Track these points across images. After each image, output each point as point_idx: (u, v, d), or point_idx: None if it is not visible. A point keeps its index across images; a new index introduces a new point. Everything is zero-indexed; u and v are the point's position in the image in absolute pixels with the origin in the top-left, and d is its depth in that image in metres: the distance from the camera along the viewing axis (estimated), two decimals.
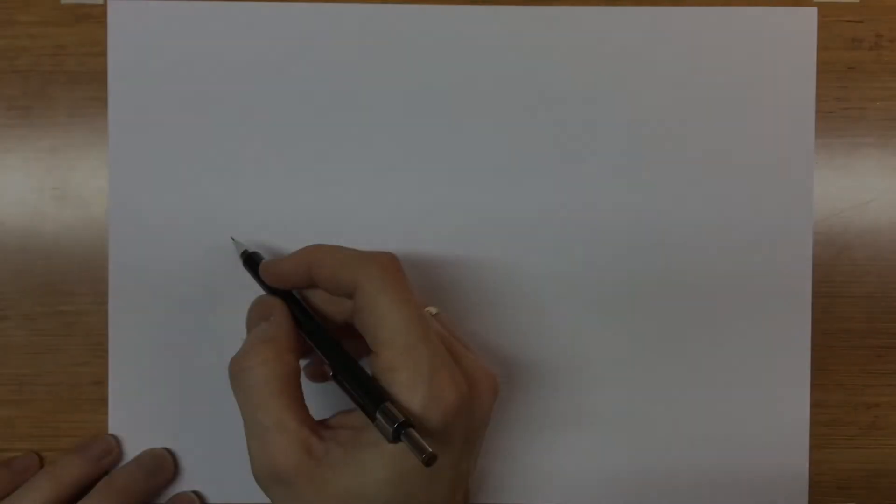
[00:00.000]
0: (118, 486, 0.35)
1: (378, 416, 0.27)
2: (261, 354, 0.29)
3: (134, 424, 0.36)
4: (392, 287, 0.28)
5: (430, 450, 0.25)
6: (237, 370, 0.29)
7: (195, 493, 0.36)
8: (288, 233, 0.36)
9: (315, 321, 0.31)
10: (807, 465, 0.37)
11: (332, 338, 0.31)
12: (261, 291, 0.33)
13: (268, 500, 0.30)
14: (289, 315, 0.31)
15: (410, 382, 0.27)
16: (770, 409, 0.37)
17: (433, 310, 0.33)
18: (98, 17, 0.36)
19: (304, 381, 0.33)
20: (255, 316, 0.32)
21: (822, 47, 0.37)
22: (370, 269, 0.29)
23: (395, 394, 0.28)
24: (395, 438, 0.26)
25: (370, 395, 0.28)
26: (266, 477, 0.29)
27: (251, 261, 0.34)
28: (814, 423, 0.37)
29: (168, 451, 0.36)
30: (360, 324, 0.29)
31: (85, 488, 0.34)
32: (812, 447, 0.37)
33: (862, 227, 0.37)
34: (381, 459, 0.28)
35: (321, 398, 0.34)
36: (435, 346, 0.28)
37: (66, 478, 0.34)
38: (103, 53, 0.36)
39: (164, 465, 0.36)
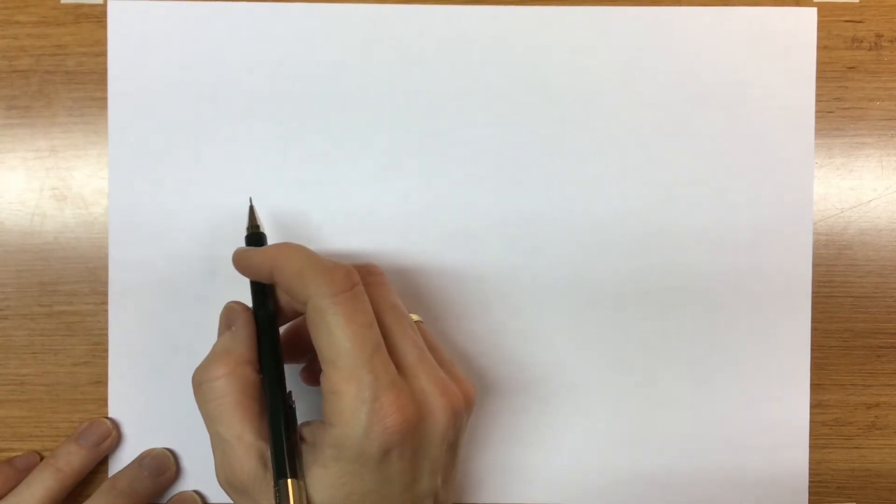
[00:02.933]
0: (121, 487, 0.35)
1: (276, 488, 0.28)
2: (219, 368, 0.30)
3: (134, 424, 0.36)
4: (340, 306, 0.28)
5: None
6: (197, 382, 0.30)
7: (196, 492, 0.36)
8: (288, 232, 0.36)
9: (273, 351, 0.31)
10: (807, 465, 0.37)
11: (279, 376, 0.31)
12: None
13: None
14: (251, 326, 0.31)
15: (352, 407, 0.27)
16: (770, 409, 0.37)
17: (415, 317, 0.33)
18: (98, 17, 0.36)
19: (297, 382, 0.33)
20: (223, 324, 0.32)
21: (822, 47, 0.37)
22: (321, 286, 0.28)
23: (338, 416, 0.28)
24: None
25: (278, 463, 0.28)
26: (225, 484, 0.30)
27: (252, 240, 0.34)
28: (814, 423, 0.37)
29: (169, 451, 0.36)
30: (311, 336, 0.29)
31: (86, 475, 0.35)
32: (812, 447, 0.37)
33: (862, 227, 0.37)
34: (328, 480, 0.28)
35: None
36: (380, 368, 0.28)
37: (68, 467, 0.35)
38: (103, 53, 0.36)
39: (166, 466, 0.36)
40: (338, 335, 0.28)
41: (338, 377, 0.28)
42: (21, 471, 0.35)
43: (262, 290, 0.32)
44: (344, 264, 0.29)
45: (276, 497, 0.28)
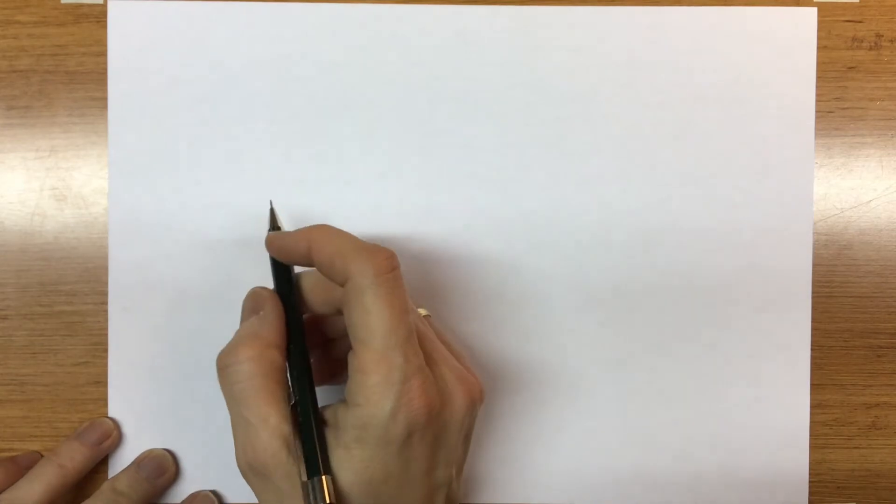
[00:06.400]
0: (120, 489, 0.35)
1: (310, 487, 0.28)
2: (246, 350, 0.29)
3: (134, 424, 0.36)
4: (382, 287, 0.28)
5: None
6: (223, 365, 0.30)
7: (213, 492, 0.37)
8: None
9: (301, 339, 0.31)
10: (807, 465, 0.37)
11: (307, 365, 0.31)
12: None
13: None
14: (279, 311, 0.31)
15: (380, 388, 0.28)
16: (770, 409, 0.37)
17: (423, 311, 0.33)
18: (98, 17, 0.36)
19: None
20: (248, 308, 0.32)
21: (822, 47, 0.37)
22: (364, 264, 0.28)
23: (365, 396, 0.28)
24: None
25: (310, 460, 0.28)
26: (246, 468, 0.29)
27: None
28: (814, 423, 0.37)
29: (169, 451, 0.36)
30: (346, 315, 0.29)
31: (87, 473, 0.36)
32: (812, 447, 0.37)
33: (862, 227, 0.37)
34: (349, 463, 0.28)
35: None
36: (411, 353, 0.28)
37: (69, 464, 0.35)
38: (103, 53, 0.36)
39: (165, 467, 0.36)
40: (375, 315, 0.28)
41: (369, 357, 0.28)
42: (24, 467, 0.35)
43: (289, 280, 0.32)
44: (385, 248, 0.29)
45: (308, 494, 0.28)
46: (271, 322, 0.30)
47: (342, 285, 0.29)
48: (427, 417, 0.28)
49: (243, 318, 0.32)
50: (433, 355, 0.30)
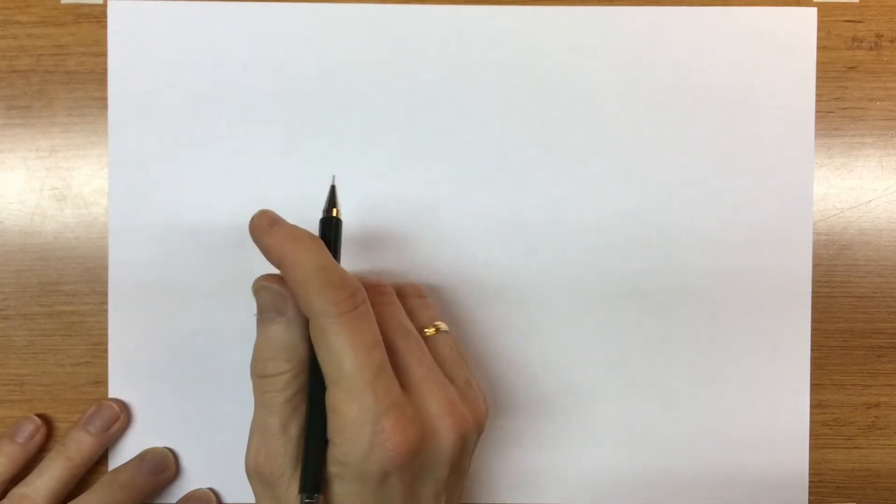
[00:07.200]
0: (122, 481, 0.35)
1: (310, 501, 0.28)
2: (285, 365, 0.29)
3: (134, 424, 0.36)
4: (344, 326, 0.27)
5: None
6: (261, 373, 0.30)
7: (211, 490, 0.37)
8: None
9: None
10: (807, 465, 0.37)
11: (323, 385, 0.30)
12: None
13: None
14: (304, 318, 0.30)
15: (354, 427, 0.27)
16: (770, 409, 0.37)
17: (442, 326, 0.33)
18: (98, 17, 0.36)
19: None
20: (269, 306, 0.30)
21: (822, 47, 0.37)
22: (325, 304, 0.27)
23: (340, 435, 0.28)
24: None
25: (308, 476, 0.29)
26: (253, 470, 0.30)
27: (325, 224, 0.31)
28: (814, 423, 0.37)
29: (170, 450, 0.36)
30: (315, 352, 0.29)
31: (97, 460, 0.36)
32: (812, 447, 0.37)
33: (862, 227, 0.37)
34: (331, 498, 0.29)
35: None
36: (381, 390, 0.28)
37: (77, 455, 0.35)
38: (103, 53, 0.36)
39: (167, 464, 0.36)
40: (339, 355, 0.27)
41: (340, 397, 0.28)
42: (23, 445, 0.35)
43: None
44: (351, 281, 0.28)
45: None
46: (301, 329, 0.30)
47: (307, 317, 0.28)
48: (405, 456, 0.28)
49: (261, 312, 0.30)
50: (421, 386, 0.29)
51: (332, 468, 0.28)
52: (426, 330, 0.32)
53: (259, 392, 0.30)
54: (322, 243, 0.29)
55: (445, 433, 0.29)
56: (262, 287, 0.30)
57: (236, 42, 0.36)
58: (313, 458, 0.29)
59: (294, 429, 0.29)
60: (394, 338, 0.30)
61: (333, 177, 0.33)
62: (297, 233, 0.29)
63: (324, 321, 0.28)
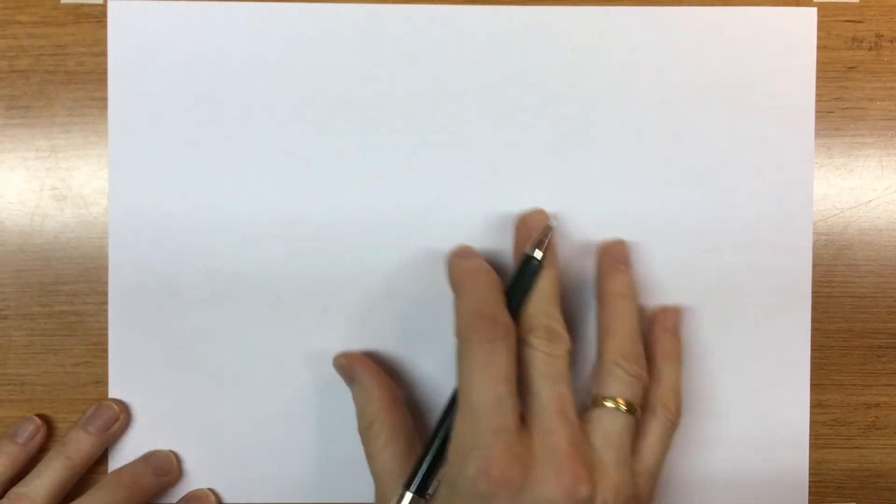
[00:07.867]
0: (125, 481, 0.35)
1: (399, 493, 0.31)
2: (388, 420, 0.33)
3: (134, 425, 0.36)
4: (477, 355, 0.30)
5: None
6: (365, 426, 0.33)
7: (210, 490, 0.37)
8: (288, 232, 0.36)
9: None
10: (807, 465, 0.37)
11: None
12: None
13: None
14: (381, 376, 0.34)
15: (463, 450, 0.29)
16: (770, 409, 0.37)
17: (660, 410, 0.33)
18: (98, 17, 0.36)
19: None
20: (342, 374, 0.35)
21: (822, 47, 0.37)
22: (469, 331, 0.30)
23: (451, 454, 0.30)
24: None
25: (412, 471, 0.31)
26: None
27: (524, 262, 0.33)
28: (814, 423, 0.37)
29: (173, 454, 0.36)
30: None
31: (97, 460, 0.36)
32: (812, 447, 0.37)
33: (862, 227, 0.37)
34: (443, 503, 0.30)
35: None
36: (497, 422, 0.29)
37: (77, 455, 0.35)
38: (103, 53, 0.36)
39: (170, 467, 0.36)
40: (467, 381, 0.30)
41: (461, 417, 0.30)
42: (24, 445, 0.35)
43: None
44: (502, 318, 0.30)
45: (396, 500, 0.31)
46: (372, 389, 0.34)
47: None
48: (503, 488, 0.28)
49: (345, 380, 0.35)
50: (543, 432, 0.30)
51: (444, 489, 0.30)
52: (607, 402, 0.32)
53: (366, 442, 0.33)
54: (496, 280, 0.32)
55: (551, 486, 0.29)
56: (333, 362, 0.35)
57: (236, 42, 0.36)
58: (427, 464, 0.31)
59: (396, 470, 0.32)
60: (537, 382, 0.30)
61: (554, 216, 0.35)
62: (475, 266, 0.33)
63: (463, 347, 0.30)
